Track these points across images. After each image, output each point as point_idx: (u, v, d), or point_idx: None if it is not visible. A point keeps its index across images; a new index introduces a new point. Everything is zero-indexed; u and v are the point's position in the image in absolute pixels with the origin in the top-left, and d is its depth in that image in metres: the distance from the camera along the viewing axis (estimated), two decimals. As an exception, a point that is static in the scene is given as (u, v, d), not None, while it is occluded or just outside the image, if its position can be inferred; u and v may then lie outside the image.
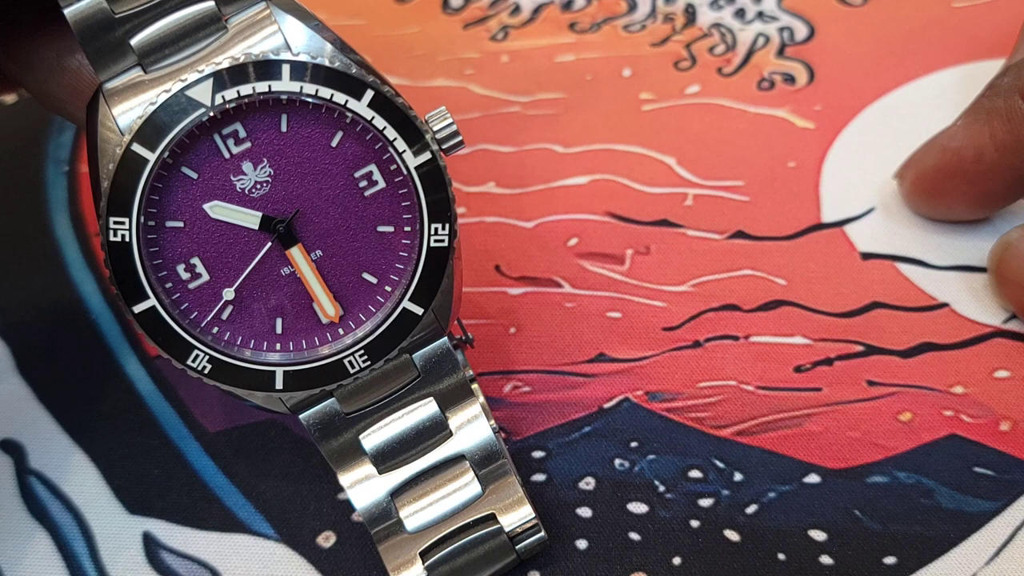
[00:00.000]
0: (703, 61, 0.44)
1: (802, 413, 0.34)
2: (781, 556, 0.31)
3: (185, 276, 0.28)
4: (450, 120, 0.29)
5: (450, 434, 0.30)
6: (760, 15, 0.46)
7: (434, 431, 0.30)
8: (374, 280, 0.29)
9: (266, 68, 0.27)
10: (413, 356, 0.30)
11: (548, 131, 0.43)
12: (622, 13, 0.47)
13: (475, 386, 0.31)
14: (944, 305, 0.36)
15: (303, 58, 0.27)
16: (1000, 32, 0.42)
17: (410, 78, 0.45)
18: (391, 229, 0.29)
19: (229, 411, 0.35)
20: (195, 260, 0.28)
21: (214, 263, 0.29)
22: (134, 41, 0.27)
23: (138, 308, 0.28)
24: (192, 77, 0.27)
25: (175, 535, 0.33)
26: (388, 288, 0.29)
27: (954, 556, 0.31)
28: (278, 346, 0.29)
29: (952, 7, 0.45)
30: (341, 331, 0.29)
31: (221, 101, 0.27)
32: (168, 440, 0.35)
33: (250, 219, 0.28)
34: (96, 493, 0.34)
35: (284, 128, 0.28)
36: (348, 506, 0.33)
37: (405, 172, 0.29)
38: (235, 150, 0.28)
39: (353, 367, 0.29)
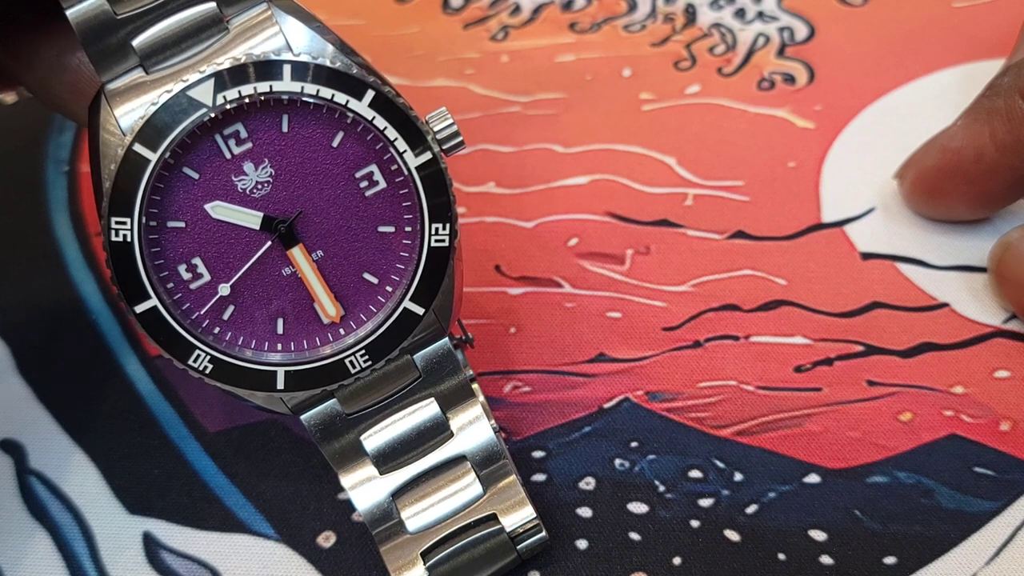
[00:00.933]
0: (703, 61, 0.44)
1: (802, 413, 0.34)
2: (781, 556, 0.31)
3: (186, 276, 0.28)
4: (451, 121, 0.29)
5: (451, 435, 0.30)
6: (760, 15, 0.46)
7: (435, 432, 0.30)
8: (375, 280, 0.29)
9: (267, 68, 0.27)
10: (414, 357, 0.30)
11: (548, 131, 0.43)
12: (622, 13, 0.47)
13: (475, 386, 0.31)
14: (944, 305, 0.36)
15: (304, 58, 0.27)
16: (1000, 32, 0.42)
17: (410, 78, 0.45)
18: (392, 229, 0.29)
19: (229, 411, 0.35)
20: (196, 260, 0.28)
21: (215, 263, 0.29)
22: (136, 42, 0.27)
23: (140, 308, 0.28)
24: (193, 77, 0.27)
25: (175, 535, 0.33)
26: (389, 288, 0.29)
27: (954, 556, 0.31)
28: (279, 346, 0.29)
29: (952, 7, 0.45)
30: (342, 331, 0.29)
31: (222, 101, 0.27)
32: (168, 440, 0.35)
33: (251, 219, 0.28)
34: (96, 493, 0.34)
35: (285, 128, 0.28)
36: (348, 506, 0.33)
37: (406, 172, 0.29)
38: (236, 150, 0.28)
39: (354, 367, 0.29)
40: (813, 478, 0.33)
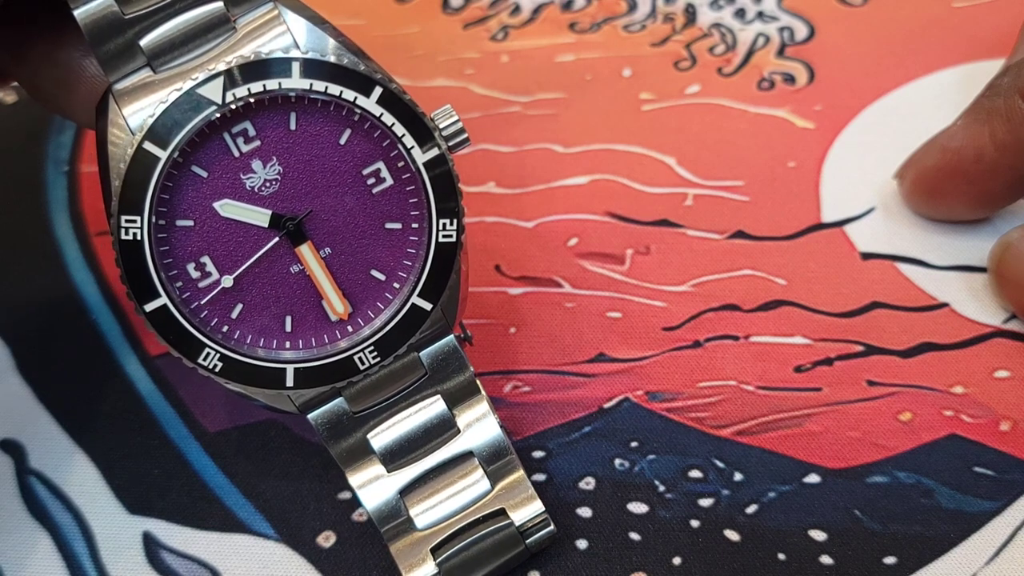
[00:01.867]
0: (703, 61, 0.44)
1: (802, 413, 0.34)
2: (781, 556, 0.31)
3: (195, 275, 0.29)
4: (456, 118, 0.29)
5: (458, 431, 0.30)
6: (760, 15, 0.46)
7: (442, 429, 0.30)
8: (382, 277, 0.30)
9: (276, 66, 0.27)
10: (420, 354, 0.30)
11: (548, 131, 0.43)
12: (622, 13, 0.47)
13: (478, 383, 0.31)
14: (944, 305, 0.36)
15: (312, 56, 0.28)
16: (1000, 32, 0.42)
17: (410, 78, 0.45)
18: (399, 226, 0.29)
19: (229, 411, 0.35)
20: (205, 259, 0.29)
21: (224, 261, 0.29)
22: (144, 42, 0.27)
23: (149, 307, 0.28)
24: (203, 75, 0.27)
25: (175, 535, 0.33)
26: (396, 285, 0.30)
27: (954, 556, 0.31)
28: (287, 344, 0.29)
29: (952, 7, 0.45)
30: (350, 328, 0.30)
31: (232, 99, 0.27)
32: (168, 440, 0.35)
33: (260, 217, 0.29)
34: (96, 493, 0.34)
35: (293, 126, 0.28)
36: (348, 506, 0.33)
37: (413, 169, 0.29)
38: (244, 148, 0.28)
39: (363, 363, 0.29)
40: (813, 478, 0.33)
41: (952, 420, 0.33)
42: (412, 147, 0.29)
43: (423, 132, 0.29)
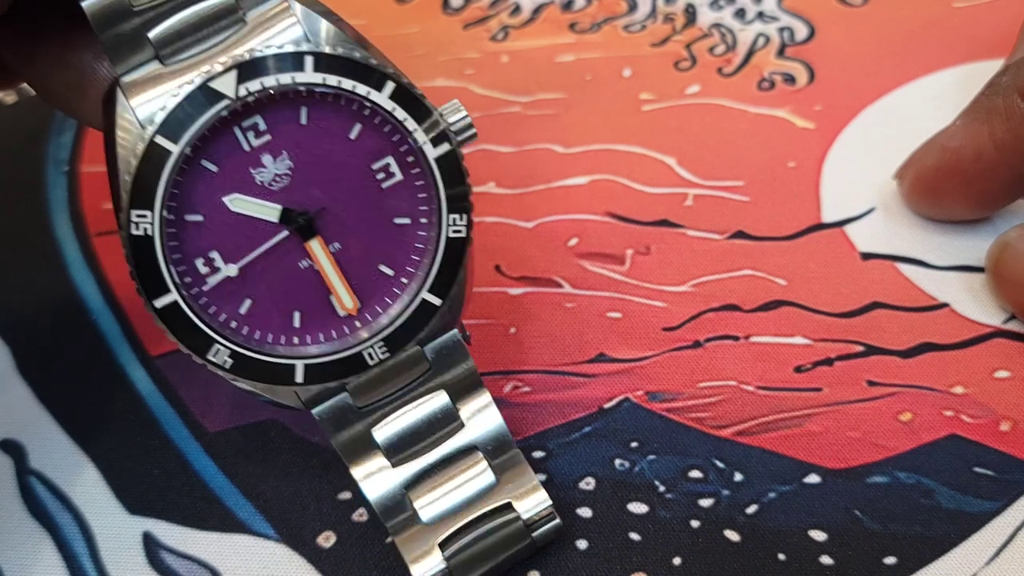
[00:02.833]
0: (703, 61, 0.44)
1: (802, 413, 0.34)
2: (781, 556, 0.31)
3: (204, 270, 0.28)
4: (464, 113, 0.29)
5: (461, 425, 0.30)
6: (760, 15, 0.46)
7: (446, 422, 0.30)
8: (391, 272, 0.30)
9: (289, 60, 0.27)
10: (424, 348, 0.30)
11: (548, 131, 0.43)
12: (622, 13, 0.47)
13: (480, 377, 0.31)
14: (944, 305, 0.36)
15: (325, 49, 0.27)
16: (1000, 32, 0.42)
17: (410, 78, 0.45)
18: (408, 221, 0.29)
19: (229, 411, 0.35)
20: (214, 254, 0.28)
21: (233, 255, 0.29)
22: (152, 33, 0.27)
23: (159, 303, 0.28)
24: (216, 68, 0.27)
25: (175, 535, 0.33)
26: (404, 280, 0.30)
27: (954, 556, 0.31)
28: (296, 340, 0.29)
29: (952, 7, 0.45)
30: (358, 324, 0.30)
31: (245, 93, 0.27)
32: (168, 440, 0.35)
33: (270, 212, 0.28)
34: (96, 493, 0.34)
35: (304, 121, 0.28)
36: (348, 506, 0.33)
37: (424, 163, 0.29)
38: (255, 143, 0.28)
39: (372, 359, 0.29)
40: (813, 478, 0.33)
41: (952, 420, 0.33)
42: (424, 143, 0.29)
43: (434, 127, 0.29)
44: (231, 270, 0.28)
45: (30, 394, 0.37)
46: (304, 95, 0.28)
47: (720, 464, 0.33)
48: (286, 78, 0.27)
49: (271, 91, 0.27)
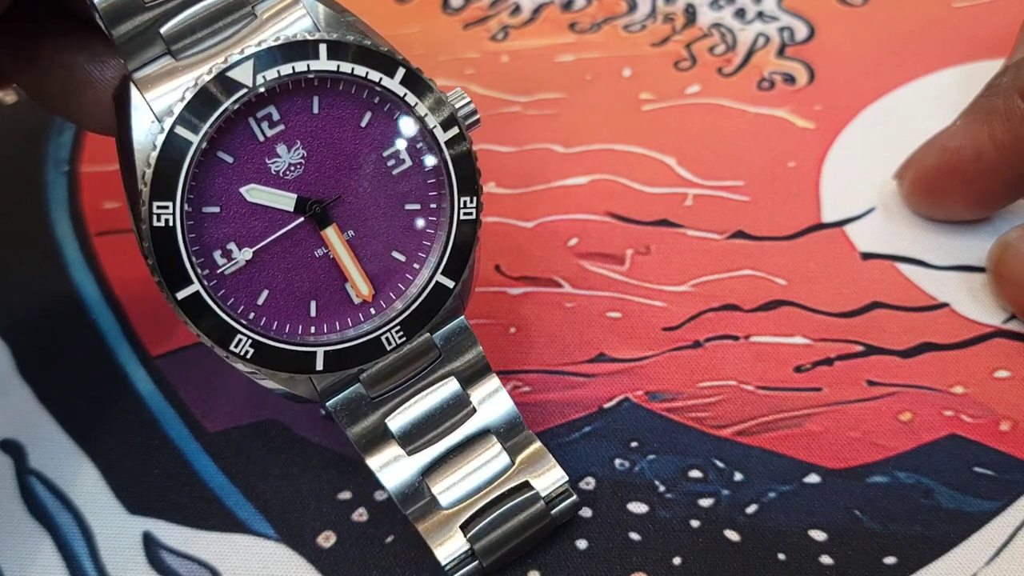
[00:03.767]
0: (703, 61, 0.44)
1: (802, 413, 0.34)
2: (781, 556, 0.31)
3: (221, 261, 0.29)
4: (468, 99, 0.30)
5: (474, 410, 0.31)
6: (760, 15, 0.46)
7: (458, 408, 0.31)
8: (403, 258, 0.30)
9: (303, 48, 0.28)
10: (434, 335, 0.30)
11: (548, 131, 0.43)
12: (622, 13, 0.47)
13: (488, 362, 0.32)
14: (944, 305, 0.36)
15: (337, 37, 0.28)
16: (1000, 32, 0.42)
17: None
18: (418, 207, 0.30)
19: (230, 411, 0.35)
20: (231, 245, 0.29)
21: (249, 244, 0.29)
22: (164, 29, 0.27)
23: (182, 294, 0.28)
24: (234, 58, 0.27)
25: (175, 535, 0.33)
26: (416, 265, 0.30)
27: (954, 556, 0.31)
28: (312, 329, 0.30)
29: (952, 7, 0.45)
30: (373, 310, 0.30)
31: (262, 81, 0.27)
32: (168, 440, 0.35)
33: (286, 201, 0.29)
34: (96, 493, 0.34)
35: (316, 110, 0.29)
36: (348, 506, 0.33)
37: (435, 148, 0.29)
38: (269, 133, 0.28)
39: (390, 344, 0.30)
40: (813, 478, 0.33)
41: (952, 420, 0.33)
42: (435, 127, 0.29)
43: (444, 111, 0.29)
44: (247, 254, 0.29)
45: (30, 394, 0.37)
46: (316, 85, 0.28)
47: (720, 464, 0.33)
48: (301, 66, 0.28)
49: (287, 80, 0.28)
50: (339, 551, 0.32)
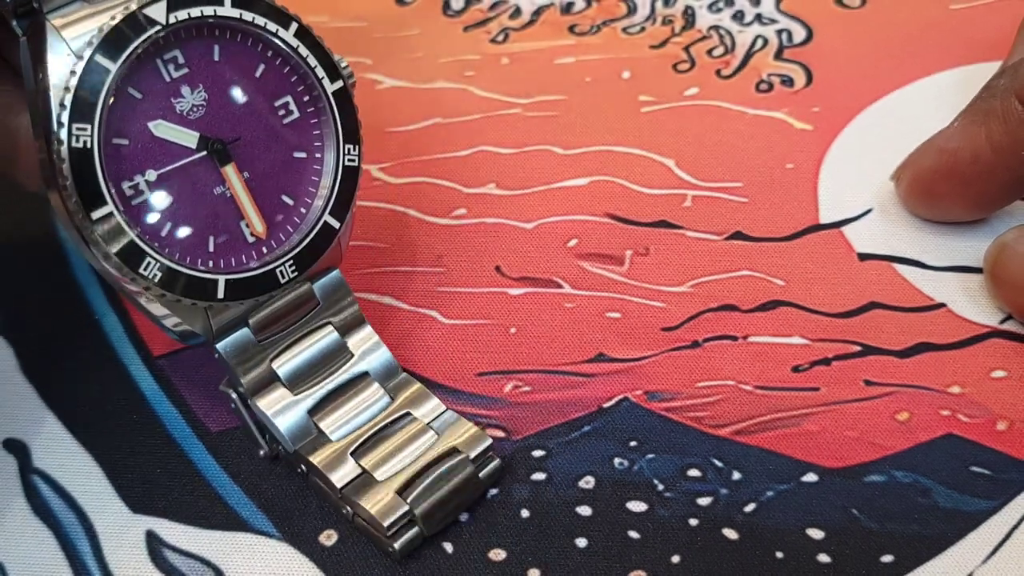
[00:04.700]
0: (702, 63, 0.45)
1: (800, 413, 0.34)
2: (779, 554, 0.31)
3: (129, 192, 0.30)
4: (346, 61, 0.33)
5: (352, 356, 0.34)
6: (758, 17, 0.46)
7: (338, 355, 0.33)
8: (291, 201, 0.33)
9: None
10: (313, 285, 0.33)
11: (548, 133, 0.43)
12: (621, 15, 0.47)
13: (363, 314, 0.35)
14: (941, 305, 0.36)
15: None
16: (997, 34, 0.43)
17: (411, 80, 0.45)
18: (304, 155, 0.33)
19: (232, 411, 0.36)
20: (137, 177, 0.30)
21: (160, 180, 0.31)
22: None
23: (97, 214, 0.29)
24: None
25: (178, 534, 0.33)
26: (303, 209, 0.33)
27: (951, 555, 0.31)
28: (211, 263, 0.31)
29: (949, 9, 0.45)
30: (265, 249, 0.32)
31: (174, 20, 0.30)
32: (171, 439, 0.35)
33: (189, 139, 0.31)
34: (100, 492, 0.34)
35: (216, 57, 0.31)
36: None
37: (323, 98, 0.32)
38: (175, 74, 0.31)
39: (283, 277, 0.32)
40: (811, 477, 0.33)
41: (949, 420, 0.33)
42: (323, 77, 0.32)
43: (330, 65, 0.32)
44: (151, 176, 0.30)
45: (34, 393, 0.37)
46: (217, 33, 0.31)
47: (718, 463, 0.33)
48: (209, 10, 0.30)
49: (192, 24, 0.30)
50: (341, 549, 0.32)
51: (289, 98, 0.32)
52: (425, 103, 0.44)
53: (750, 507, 0.32)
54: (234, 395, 0.33)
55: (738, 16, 0.46)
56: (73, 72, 0.29)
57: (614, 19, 0.47)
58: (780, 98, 0.43)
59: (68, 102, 0.28)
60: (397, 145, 0.43)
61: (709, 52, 0.45)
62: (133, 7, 0.29)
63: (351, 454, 0.32)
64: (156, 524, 0.33)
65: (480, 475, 0.32)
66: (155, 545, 0.33)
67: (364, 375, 0.33)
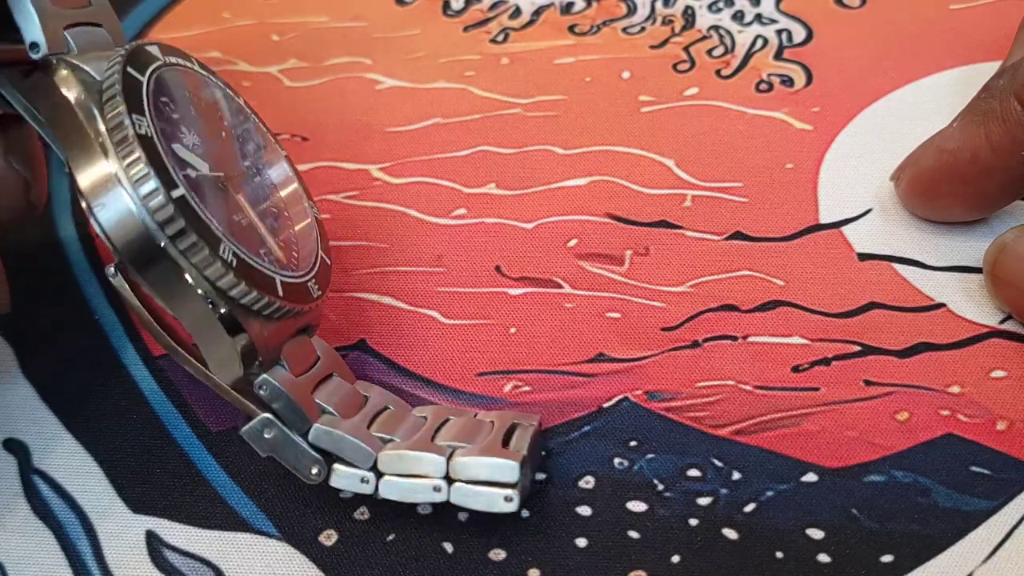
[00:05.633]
0: (702, 63, 0.45)
1: (800, 412, 0.34)
2: (779, 554, 0.31)
3: (190, 176, 0.29)
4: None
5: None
6: (758, 17, 0.46)
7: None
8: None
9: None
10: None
11: (548, 133, 0.43)
12: (621, 16, 0.47)
13: None
14: (941, 306, 0.36)
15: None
16: (997, 34, 0.43)
17: (411, 80, 0.45)
18: (257, 169, 0.34)
19: (232, 410, 0.36)
20: (189, 170, 0.29)
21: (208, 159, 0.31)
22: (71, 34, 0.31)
23: (176, 193, 0.28)
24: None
25: (178, 533, 0.33)
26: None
27: (951, 554, 0.31)
28: (266, 259, 0.31)
29: (949, 9, 0.45)
30: (292, 266, 0.32)
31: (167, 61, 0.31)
32: (171, 439, 0.35)
33: (202, 165, 0.31)
34: (100, 492, 0.34)
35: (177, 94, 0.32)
36: (350, 505, 0.33)
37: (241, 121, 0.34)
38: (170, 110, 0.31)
39: (313, 294, 0.32)
40: (811, 477, 0.33)
41: (949, 420, 0.33)
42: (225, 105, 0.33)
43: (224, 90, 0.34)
44: (204, 171, 0.30)
45: (33, 393, 0.37)
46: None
47: (718, 463, 0.33)
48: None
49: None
50: (341, 549, 0.33)
51: (234, 127, 0.33)
52: (425, 103, 0.44)
53: (750, 507, 0.32)
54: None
55: (738, 16, 0.46)
56: (111, 83, 0.29)
57: (614, 19, 0.47)
58: (780, 98, 0.43)
59: (121, 95, 0.28)
60: (397, 145, 0.43)
61: (709, 52, 0.45)
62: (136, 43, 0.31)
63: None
64: (156, 524, 0.34)
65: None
66: (155, 545, 0.33)
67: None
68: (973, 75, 0.41)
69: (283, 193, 0.34)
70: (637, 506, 0.33)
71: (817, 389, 0.35)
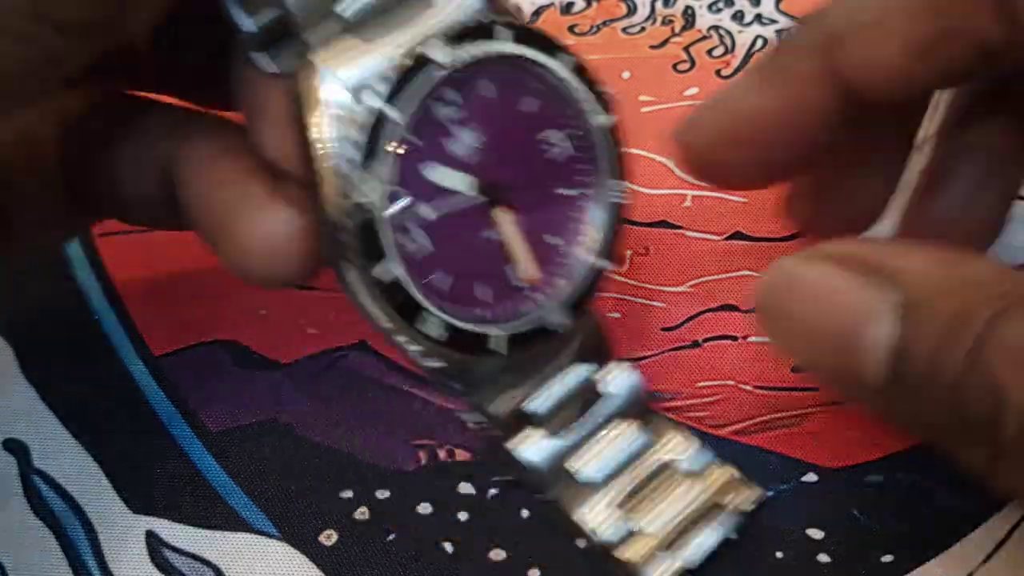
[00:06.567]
0: (702, 63, 0.45)
1: (800, 412, 0.34)
2: (779, 554, 0.31)
3: (405, 243, 0.28)
4: (609, 88, 0.30)
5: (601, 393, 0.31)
6: (758, 18, 0.46)
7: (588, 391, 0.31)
8: (558, 242, 0.30)
9: (487, 30, 0.28)
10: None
11: (548, 133, 0.43)
12: (621, 15, 0.47)
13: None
14: (941, 305, 0.36)
15: (512, 20, 0.28)
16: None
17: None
18: (573, 192, 0.30)
19: (232, 410, 0.36)
20: (411, 225, 0.28)
21: (431, 229, 0.28)
22: (348, 13, 0.27)
23: (377, 270, 0.27)
24: (430, 39, 0.27)
25: (178, 534, 0.33)
26: (570, 248, 0.30)
27: (951, 554, 0.31)
28: (488, 314, 0.29)
29: (949, 10, 0.45)
30: (537, 294, 0.30)
31: (458, 61, 0.27)
32: (171, 439, 0.35)
33: (463, 182, 0.29)
34: (100, 492, 0.34)
35: (489, 93, 0.29)
36: (350, 505, 0.33)
37: (590, 133, 0.30)
38: (451, 115, 0.28)
39: (558, 327, 0.30)
40: (811, 477, 0.33)
41: (949, 419, 0.33)
42: (591, 111, 0.30)
43: (600, 97, 0.30)
44: (423, 222, 0.28)
45: (33, 394, 0.37)
46: (489, 68, 0.28)
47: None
48: (491, 47, 0.28)
49: (476, 60, 0.28)
50: (341, 549, 0.33)
51: (557, 132, 0.30)
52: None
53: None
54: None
55: (738, 16, 0.46)
56: (358, 125, 0.27)
57: (614, 19, 0.47)
58: (780, 98, 0.43)
59: (362, 148, 0.26)
60: (397, 145, 0.43)
61: (709, 52, 0.45)
62: (410, 46, 0.27)
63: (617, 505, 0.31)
64: (156, 524, 0.33)
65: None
66: (155, 545, 0.33)
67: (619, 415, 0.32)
68: (973, 75, 0.41)
69: (564, 191, 0.31)
70: (637, 506, 0.33)
71: (817, 389, 0.35)
